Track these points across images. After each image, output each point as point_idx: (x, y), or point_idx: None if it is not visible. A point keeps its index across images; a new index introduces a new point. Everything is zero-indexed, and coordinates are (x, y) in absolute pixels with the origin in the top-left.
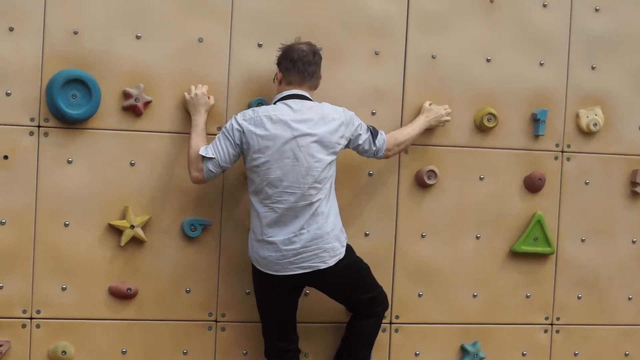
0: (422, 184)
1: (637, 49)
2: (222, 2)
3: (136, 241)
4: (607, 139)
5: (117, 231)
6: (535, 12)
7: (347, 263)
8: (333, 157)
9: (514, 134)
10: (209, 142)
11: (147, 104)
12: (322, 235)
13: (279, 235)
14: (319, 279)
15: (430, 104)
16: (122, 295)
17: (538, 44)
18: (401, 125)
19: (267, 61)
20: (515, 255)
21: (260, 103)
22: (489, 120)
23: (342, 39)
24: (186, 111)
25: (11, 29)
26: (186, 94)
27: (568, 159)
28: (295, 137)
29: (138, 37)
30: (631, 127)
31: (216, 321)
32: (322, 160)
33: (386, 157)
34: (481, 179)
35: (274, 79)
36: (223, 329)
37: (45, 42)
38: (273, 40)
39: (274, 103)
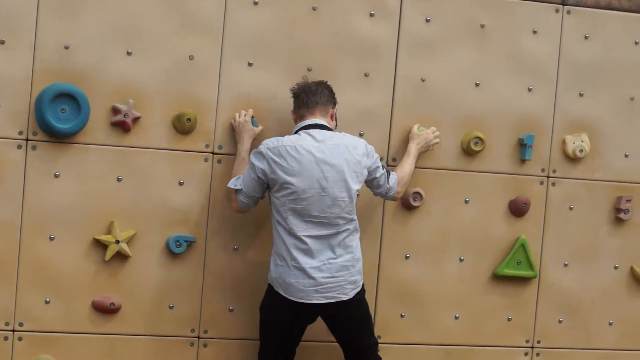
0: (407, 205)
1: (624, 77)
2: (214, 21)
3: (121, 256)
4: (593, 166)
5: (102, 246)
6: (525, 39)
7: (361, 299)
8: (358, 187)
9: (501, 158)
10: None
11: (135, 120)
12: (349, 267)
13: (308, 263)
14: (337, 310)
15: (418, 127)
16: (105, 310)
17: (527, 70)
18: (388, 146)
19: (257, 80)
20: (498, 278)
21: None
22: (476, 144)
23: (333, 60)
24: (175, 129)
25: (2, 42)
26: (232, 121)
27: (553, 184)
28: (320, 168)
29: (129, 54)
30: (617, 154)
31: (199, 337)
32: (349, 189)
33: (394, 198)
34: (466, 202)
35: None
36: (205, 346)
37: (36, 56)
38: (263, 60)
39: (295, 132)
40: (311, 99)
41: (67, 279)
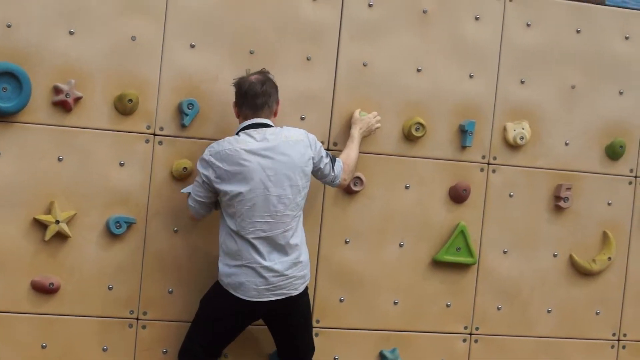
0: (347, 190)
1: (566, 65)
2: (157, 2)
3: (61, 236)
4: (533, 153)
5: (42, 225)
6: (468, 25)
7: (307, 297)
8: (303, 181)
9: (441, 144)
10: None
11: (77, 99)
12: (297, 264)
13: (258, 262)
14: (286, 306)
15: (360, 112)
16: (44, 290)
17: (469, 56)
18: (330, 130)
19: (199, 62)
20: (438, 264)
21: (190, 104)
22: (417, 129)
23: (275, 43)
24: (116, 109)
25: None
26: None
27: (494, 171)
28: (262, 166)
29: (72, 33)
30: (557, 141)
31: (137, 319)
32: (293, 185)
33: (341, 186)
34: (407, 187)
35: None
36: (144, 327)
37: None
38: (206, 42)
39: (237, 134)
40: (258, 101)
41: (6, 259)
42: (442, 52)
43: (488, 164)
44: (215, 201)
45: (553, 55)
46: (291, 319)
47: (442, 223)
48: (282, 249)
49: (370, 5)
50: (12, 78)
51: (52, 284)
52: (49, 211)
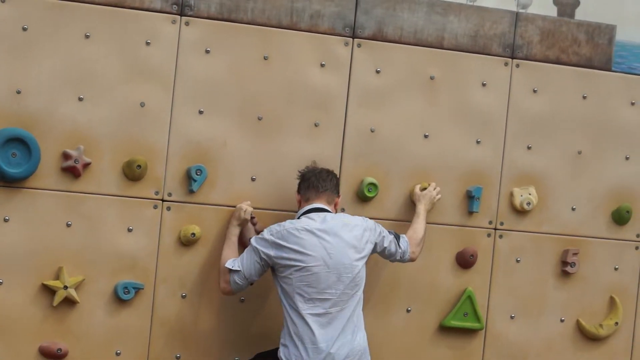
0: None
1: (572, 131)
2: (165, 68)
3: (69, 302)
4: (540, 218)
5: (50, 291)
6: (475, 91)
7: None
8: (362, 263)
9: (448, 210)
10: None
11: (86, 165)
12: (354, 347)
13: (313, 342)
14: None
15: (420, 188)
16: (52, 356)
17: (476, 122)
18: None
19: (207, 128)
20: (445, 329)
21: (198, 170)
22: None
23: (283, 109)
24: (125, 175)
25: None
26: (240, 208)
27: (501, 237)
28: (323, 246)
29: (80, 99)
30: (564, 207)
31: None
32: (352, 265)
33: (412, 259)
34: None
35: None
36: None
37: None
38: (214, 108)
39: (298, 218)
40: (322, 183)
41: (14, 324)
42: (449, 118)
43: (495, 229)
44: None
45: (559, 121)
46: None
47: (450, 288)
48: (338, 329)
49: (377, 72)
50: (21, 144)
51: (60, 349)
52: (57, 277)
